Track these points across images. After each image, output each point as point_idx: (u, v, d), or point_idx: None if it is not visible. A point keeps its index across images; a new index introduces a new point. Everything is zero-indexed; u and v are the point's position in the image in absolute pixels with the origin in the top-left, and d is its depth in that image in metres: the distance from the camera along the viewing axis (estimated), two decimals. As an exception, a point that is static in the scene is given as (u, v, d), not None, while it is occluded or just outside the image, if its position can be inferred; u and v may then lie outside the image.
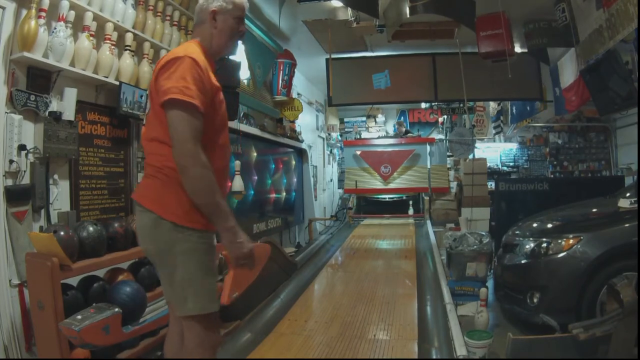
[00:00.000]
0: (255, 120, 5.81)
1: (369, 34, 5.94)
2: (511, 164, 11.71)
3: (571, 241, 3.31)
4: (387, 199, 9.00)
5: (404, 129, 9.94)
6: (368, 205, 9.18)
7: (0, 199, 2.47)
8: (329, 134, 10.68)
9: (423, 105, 11.52)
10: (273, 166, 6.83)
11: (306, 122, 8.55)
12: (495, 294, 4.18)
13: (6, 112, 2.51)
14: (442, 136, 9.85)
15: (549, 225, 3.79)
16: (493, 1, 4.89)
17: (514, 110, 9.49)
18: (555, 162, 11.23)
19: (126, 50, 3.36)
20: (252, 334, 3.07)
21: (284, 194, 7.28)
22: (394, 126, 10.64)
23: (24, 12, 2.58)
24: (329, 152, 10.84)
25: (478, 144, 10.13)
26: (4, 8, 2.52)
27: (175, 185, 1.64)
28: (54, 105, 2.77)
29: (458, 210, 7.64)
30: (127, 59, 3.34)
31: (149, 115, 1.77)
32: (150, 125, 1.75)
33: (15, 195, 2.54)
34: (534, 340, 2.62)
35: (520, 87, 6.85)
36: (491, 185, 7.36)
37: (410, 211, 8.55)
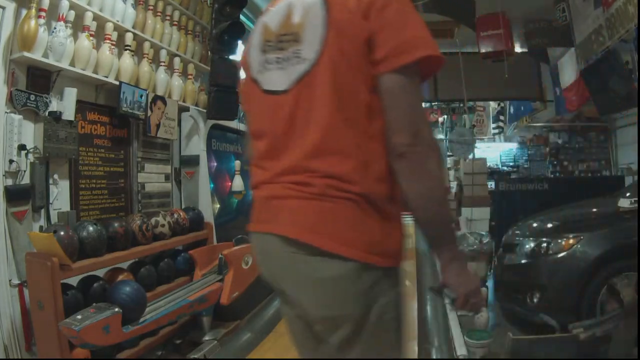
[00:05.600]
0: (255, 120, 5.79)
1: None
2: (511, 163, 11.71)
3: (571, 241, 3.31)
4: None
5: None
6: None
7: (0, 199, 2.47)
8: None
9: (423, 104, 11.52)
10: (273, 166, 6.82)
11: (306, 122, 8.53)
12: (495, 294, 4.18)
13: (6, 112, 2.51)
14: (442, 136, 9.85)
15: (549, 225, 3.79)
16: (493, 1, 4.89)
17: (512, 110, 9.51)
18: (555, 162, 11.22)
19: (126, 50, 3.36)
20: (252, 334, 3.07)
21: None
22: None
23: (24, 11, 2.58)
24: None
25: (478, 144, 10.12)
26: (4, 8, 2.52)
27: (376, 205, 1.03)
28: (54, 105, 2.76)
29: (458, 210, 7.63)
30: (127, 59, 3.34)
31: (320, 83, 1.02)
32: (325, 99, 1.02)
33: (15, 195, 2.53)
34: (534, 340, 2.62)
35: (521, 87, 6.87)
36: (491, 185, 7.36)
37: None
